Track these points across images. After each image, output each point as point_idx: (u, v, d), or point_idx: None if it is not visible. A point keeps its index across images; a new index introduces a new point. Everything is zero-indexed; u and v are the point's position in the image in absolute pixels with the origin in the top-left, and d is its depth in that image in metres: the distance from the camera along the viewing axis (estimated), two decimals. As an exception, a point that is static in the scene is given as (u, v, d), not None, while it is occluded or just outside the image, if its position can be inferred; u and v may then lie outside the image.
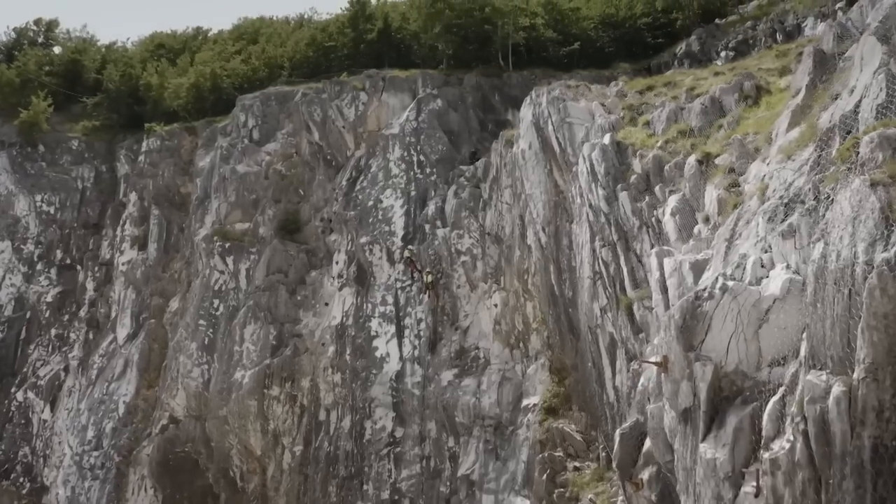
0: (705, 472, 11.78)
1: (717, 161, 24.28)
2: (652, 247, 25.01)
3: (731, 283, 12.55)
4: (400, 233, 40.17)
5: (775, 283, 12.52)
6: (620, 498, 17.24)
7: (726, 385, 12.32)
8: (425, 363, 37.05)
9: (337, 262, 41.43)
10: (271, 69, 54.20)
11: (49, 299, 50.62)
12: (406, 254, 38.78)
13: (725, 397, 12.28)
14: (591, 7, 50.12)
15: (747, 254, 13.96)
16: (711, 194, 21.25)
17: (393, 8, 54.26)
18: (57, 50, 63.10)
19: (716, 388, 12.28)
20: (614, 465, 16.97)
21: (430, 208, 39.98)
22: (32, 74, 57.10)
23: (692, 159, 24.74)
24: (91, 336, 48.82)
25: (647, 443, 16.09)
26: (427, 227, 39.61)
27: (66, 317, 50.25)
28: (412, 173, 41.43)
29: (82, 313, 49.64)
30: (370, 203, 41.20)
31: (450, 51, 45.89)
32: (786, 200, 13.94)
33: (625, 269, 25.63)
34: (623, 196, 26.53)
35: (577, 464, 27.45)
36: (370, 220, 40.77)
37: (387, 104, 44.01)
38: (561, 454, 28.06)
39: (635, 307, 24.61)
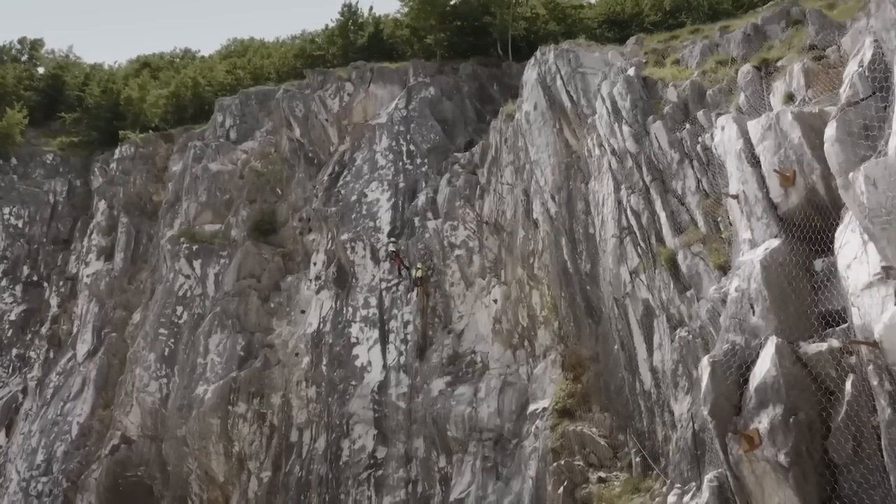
0: None
1: (779, 64, 17.57)
2: (698, 182, 18.08)
3: None
4: (386, 228, 32.92)
5: None
6: (711, 475, 9.80)
7: None
8: (412, 371, 29.48)
9: (315, 264, 34.08)
10: (257, 80, 47.72)
11: (13, 317, 43.24)
12: (391, 247, 31.59)
13: None
14: (594, 7, 44.04)
15: None
16: (793, 71, 14.30)
17: (385, 17, 48.14)
18: (41, 70, 56.96)
19: None
20: (705, 413, 9.62)
21: (421, 199, 32.87)
22: (10, 88, 50.70)
23: (747, 67, 17.94)
24: (51, 354, 41.28)
25: (760, 373, 8.74)
26: (416, 219, 32.44)
27: (30, 336, 42.83)
28: (401, 164, 34.39)
29: (44, 330, 42.24)
30: (353, 198, 34.08)
31: (445, 42, 39.39)
32: None
33: (662, 215, 18.55)
34: (657, 128, 19.60)
35: (601, 474, 19.73)
36: (353, 216, 33.58)
37: (374, 95, 37.21)
38: (581, 463, 20.37)
39: (680, 256, 17.45)
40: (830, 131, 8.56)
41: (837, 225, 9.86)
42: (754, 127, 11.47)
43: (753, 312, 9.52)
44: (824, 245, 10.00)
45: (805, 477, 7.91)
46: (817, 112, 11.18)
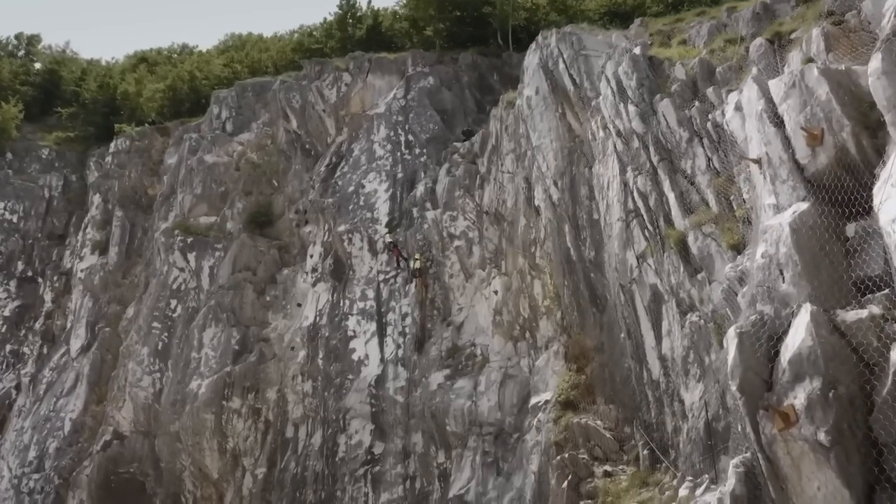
0: None
1: (792, 36, 16.61)
2: (708, 161, 17.09)
3: None
4: (384, 219, 31.98)
5: None
6: (737, 460, 8.84)
7: None
8: (410, 365, 28.49)
9: (311, 256, 33.08)
10: (254, 74, 46.70)
11: (7, 313, 42.17)
12: (388, 238, 30.63)
13: None
14: (595, -3, 43.08)
15: None
16: (812, 36, 13.34)
17: (384, 10, 47.29)
18: (38, 65, 55.99)
19: None
20: (734, 388, 8.64)
21: (419, 190, 31.90)
22: (6, 83, 49.74)
23: (759, 40, 16.98)
24: (45, 350, 40.25)
25: (793, 344, 7.77)
26: (415, 210, 31.46)
27: (24, 331, 41.75)
28: (399, 154, 33.43)
29: (38, 326, 41.17)
30: (351, 189, 33.12)
31: (445, 32, 38.43)
32: None
33: (671, 196, 17.53)
34: (664, 106, 18.61)
35: (607, 468, 18.72)
36: (350, 207, 32.61)
37: (372, 86, 36.24)
38: (585, 457, 19.36)
39: (690, 238, 16.42)
40: (875, 64, 7.63)
41: (871, 185, 8.91)
42: (776, 85, 10.51)
43: (783, 279, 8.55)
44: (856, 207, 9.04)
45: (848, 457, 6.93)
46: (844, 69, 10.23)
